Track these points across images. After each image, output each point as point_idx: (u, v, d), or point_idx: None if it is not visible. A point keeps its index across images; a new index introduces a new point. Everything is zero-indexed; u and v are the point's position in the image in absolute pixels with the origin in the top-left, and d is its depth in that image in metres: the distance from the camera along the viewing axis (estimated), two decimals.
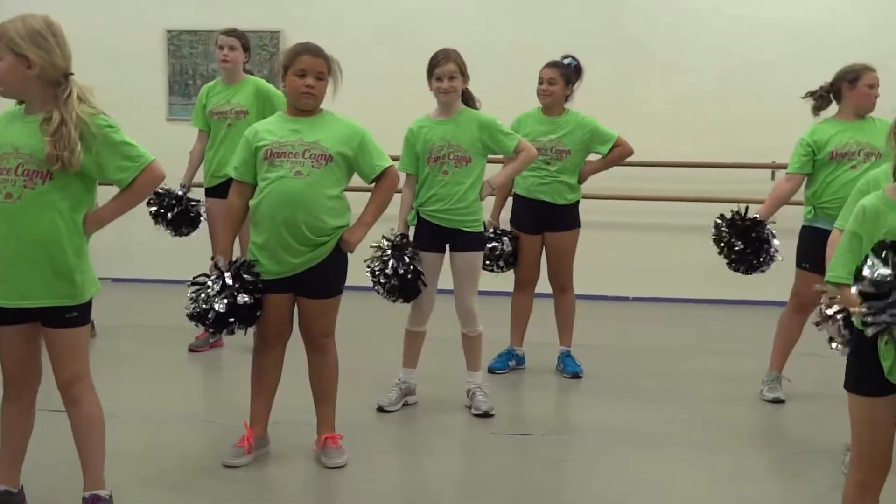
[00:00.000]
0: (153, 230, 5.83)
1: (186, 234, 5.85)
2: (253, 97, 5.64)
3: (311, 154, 3.70)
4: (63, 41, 3.01)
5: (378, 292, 4.44)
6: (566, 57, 5.29)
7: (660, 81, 7.57)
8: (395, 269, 4.33)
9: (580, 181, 5.31)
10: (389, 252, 4.38)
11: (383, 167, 3.83)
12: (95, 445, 3.20)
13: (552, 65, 5.23)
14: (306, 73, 3.71)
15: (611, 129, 5.25)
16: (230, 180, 5.54)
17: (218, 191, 5.68)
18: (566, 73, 5.21)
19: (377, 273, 4.37)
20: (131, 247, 7.47)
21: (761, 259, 4.77)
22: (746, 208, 4.81)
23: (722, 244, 4.79)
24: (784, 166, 4.99)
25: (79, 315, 3.08)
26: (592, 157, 5.35)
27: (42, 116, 2.96)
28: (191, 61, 8.08)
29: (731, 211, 4.81)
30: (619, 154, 5.28)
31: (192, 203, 5.76)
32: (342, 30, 7.53)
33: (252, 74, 5.89)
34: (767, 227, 4.78)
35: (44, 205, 2.97)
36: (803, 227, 4.81)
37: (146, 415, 4.49)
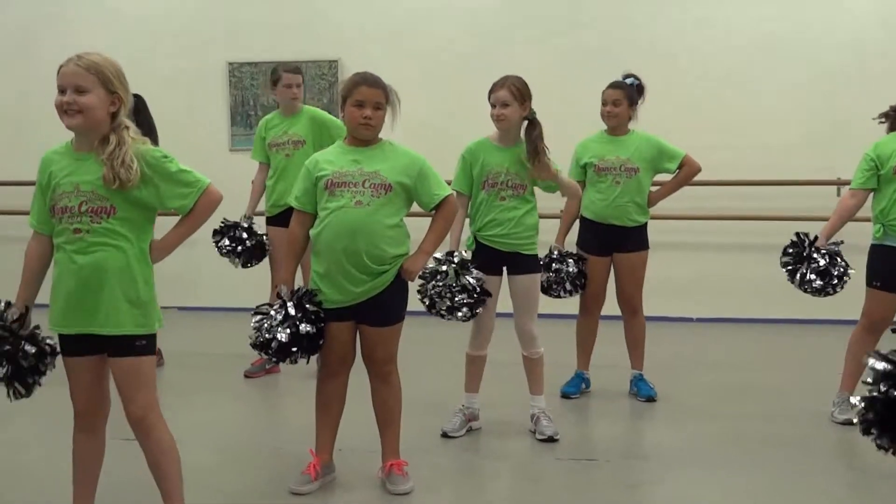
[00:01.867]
0: (216, 259, 5.87)
1: (253, 265, 5.88)
2: (310, 127, 5.70)
3: (370, 184, 3.69)
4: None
5: (441, 315, 4.35)
6: (627, 76, 5.23)
7: (725, 97, 7.46)
8: (463, 286, 4.26)
9: (649, 205, 5.23)
10: (453, 270, 4.30)
11: (442, 196, 3.81)
12: (172, 475, 3.19)
13: (616, 86, 5.17)
14: (364, 104, 3.71)
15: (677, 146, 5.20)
16: (291, 209, 5.65)
17: (279, 219, 5.72)
18: (630, 94, 5.15)
19: (439, 292, 4.28)
20: (195, 276, 7.53)
21: (834, 283, 4.66)
22: (807, 235, 4.72)
23: (793, 274, 4.71)
24: (849, 182, 4.88)
25: (147, 343, 3.10)
26: (657, 182, 5.29)
27: (98, 144, 3.01)
28: (251, 92, 8.17)
29: (792, 239, 4.73)
30: (687, 173, 5.22)
31: (262, 235, 5.81)
32: (400, 58, 7.57)
33: (305, 104, 5.94)
34: (836, 247, 4.67)
35: (112, 237, 3.02)
36: (872, 245, 4.70)
37: (210, 442, 4.47)
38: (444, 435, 4.56)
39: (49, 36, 8.10)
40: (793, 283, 4.73)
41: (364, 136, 3.77)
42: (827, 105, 7.30)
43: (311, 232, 3.78)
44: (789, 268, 4.74)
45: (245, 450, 4.47)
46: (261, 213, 5.92)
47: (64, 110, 3.00)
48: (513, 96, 4.42)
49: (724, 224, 7.47)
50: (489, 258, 4.50)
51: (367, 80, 3.75)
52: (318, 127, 5.72)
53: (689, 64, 7.53)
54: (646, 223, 5.25)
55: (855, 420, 4.62)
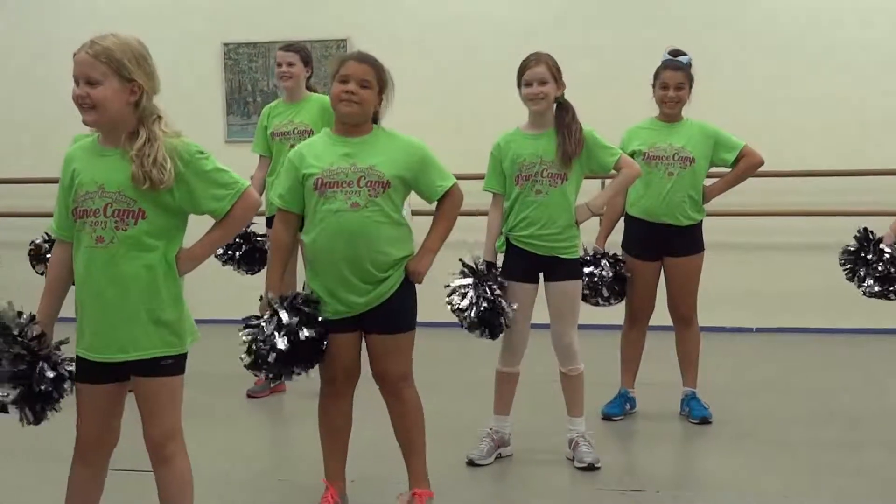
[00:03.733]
0: (214, 267, 5.87)
1: (259, 271, 5.89)
2: (318, 115, 5.70)
3: (366, 182, 3.66)
4: (154, 64, 3.07)
5: (462, 326, 4.39)
6: (676, 53, 5.19)
7: (790, 83, 7.46)
8: (472, 303, 4.28)
9: (705, 201, 5.21)
10: (470, 282, 4.33)
11: (446, 187, 3.80)
12: None
13: (677, 66, 5.11)
14: (349, 79, 3.68)
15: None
16: None
17: None
18: (691, 75, 5.12)
19: (455, 305, 4.32)
20: (192, 285, 7.52)
21: (893, 288, 4.66)
22: (871, 233, 4.72)
23: (852, 274, 4.72)
24: None
25: (174, 362, 3.09)
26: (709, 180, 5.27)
27: (125, 139, 2.99)
28: (250, 76, 8.20)
29: (855, 237, 4.73)
30: (747, 166, 5.18)
31: (259, 238, 5.81)
32: (412, 35, 7.59)
33: (315, 91, 5.94)
34: None
35: (139, 247, 3.00)
36: None
37: (215, 474, 4.48)
38: (471, 463, 4.55)
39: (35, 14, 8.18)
40: (854, 283, 4.74)
41: (344, 116, 3.72)
42: None
43: (304, 238, 3.77)
44: (848, 268, 4.74)
45: (250, 482, 4.48)
46: (261, 214, 5.89)
47: (79, 104, 2.98)
48: (550, 73, 4.41)
49: (789, 222, 7.43)
50: (523, 263, 4.49)
51: (356, 56, 3.75)
52: (329, 117, 5.66)
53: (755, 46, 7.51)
54: (701, 221, 5.22)
55: None
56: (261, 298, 3.80)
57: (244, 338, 3.72)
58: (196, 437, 3.22)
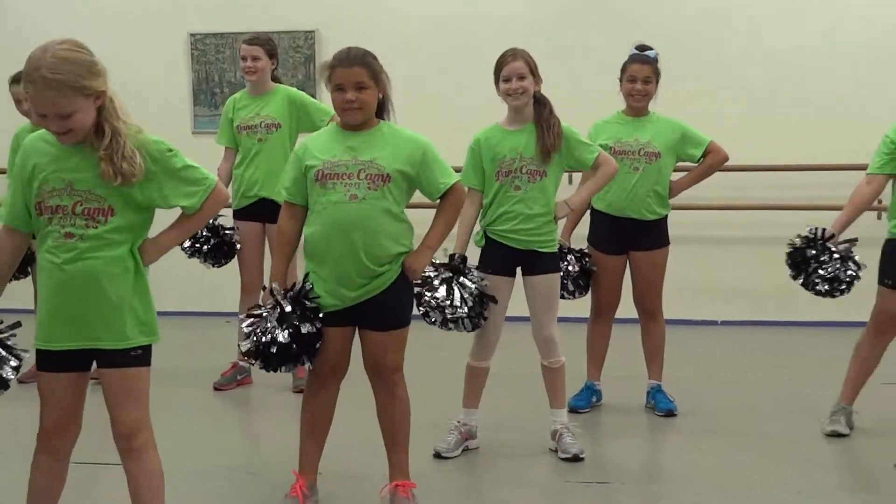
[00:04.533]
0: (179, 260, 5.84)
1: (226, 264, 5.87)
2: (286, 108, 5.67)
3: (366, 174, 3.68)
4: (97, 58, 3.00)
5: (433, 323, 4.39)
6: (643, 48, 5.22)
7: (749, 77, 7.52)
8: (462, 297, 4.27)
9: (671, 196, 5.24)
10: (446, 276, 4.33)
11: (448, 184, 3.80)
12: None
13: (644, 60, 5.14)
14: (344, 87, 3.69)
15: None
16: (261, 201, 5.67)
17: (248, 212, 5.72)
18: (658, 68, 5.15)
19: (428, 301, 4.32)
20: (156, 278, 7.49)
21: (842, 288, 4.73)
22: (819, 231, 4.77)
23: (798, 272, 4.78)
24: None
25: (143, 353, 3.10)
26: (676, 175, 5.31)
27: (89, 139, 2.97)
28: (217, 67, 8.16)
29: (801, 234, 4.78)
30: (713, 162, 5.23)
31: (227, 231, 5.78)
32: (382, 27, 7.57)
33: (281, 82, 5.91)
34: (851, 246, 4.73)
35: (108, 242, 3.00)
36: (887, 240, 4.76)
37: (182, 467, 4.45)
38: (438, 455, 4.58)
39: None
40: (802, 285, 4.80)
41: (352, 121, 3.75)
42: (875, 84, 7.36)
43: (305, 230, 3.78)
44: (793, 270, 4.80)
45: (216, 476, 4.47)
46: (228, 206, 5.87)
47: (54, 132, 2.95)
48: (528, 68, 4.43)
49: (754, 216, 7.50)
50: (502, 256, 4.50)
51: (343, 61, 3.71)
52: (297, 110, 5.69)
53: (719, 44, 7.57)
54: (666, 216, 5.26)
55: (843, 432, 4.73)
56: (264, 289, 3.81)
57: (245, 327, 3.73)
58: (162, 431, 3.21)
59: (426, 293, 4.32)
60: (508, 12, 7.73)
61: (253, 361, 3.80)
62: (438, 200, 3.85)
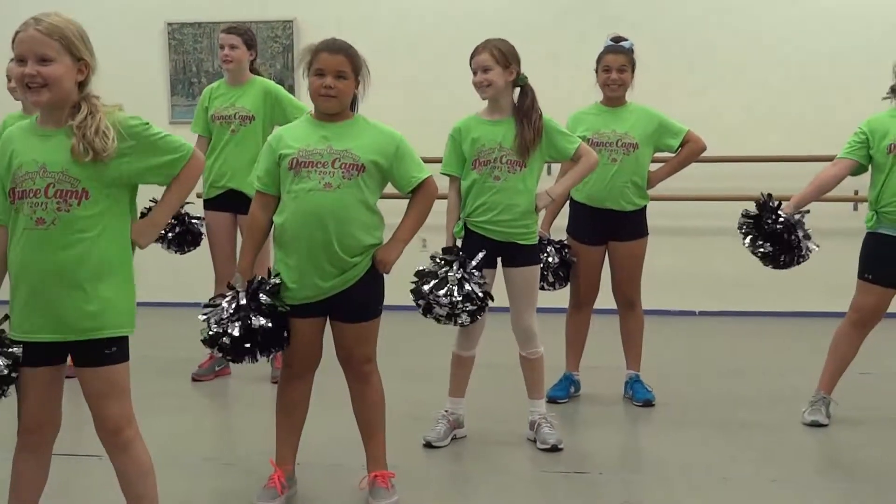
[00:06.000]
0: (155, 248, 5.84)
1: (189, 251, 5.86)
2: (261, 101, 5.66)
3: (341, 164, 3.68)
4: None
5: (438, 320, 4.35)
6: (618, 39, 5.23)
7: (731, 69, 7.57)
8: (464, 292, 4.25)
9: (649, 186, 5.26)
10: (457, 273, 4.28)
11: (420, 178, 3.82)
12: (149, 498, 3.19)
13: (619, 50, 5.16)
14: (325, 73, 3.70)
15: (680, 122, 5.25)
16: (230, 192, 5.66)
17: (218, 203, 5.71)
18: (633, 59, 5.17)
19: (439, 297, 4.25)
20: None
21: (793, 258, 4.76)
22: (770, 199, 4.80)
23: (748, 243, 4.80)
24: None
25: (118, 350, 3.06)
26: (655, 164, 5.33)
27: (66, 117, 2.96)
28: (195, 57, 8.13)
29: (756, 203, 4.81)
30: (690, 151, 5.25)
31: (194, 220, 5.75)
32: (362, 18, 7.56)
33: (259, 74, 5.89)
34: (798, 216, 4.76)
35: (81, 228, 2.96)
36: (867, 234, 4.83)
37: (159, 459, 4.41)
38: (428, 444, 4.60)
39: None
40: (748, 248, 4.82)
41: (325, 109, 3.76)
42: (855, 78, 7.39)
43: (276, 220, 3.77)
44: (744, 230, 4.82)
45: (195, 463, 4.48)
46: (199, 195, 5.87)
47: (26, 84, 2.93)
48: (494, 59, 4.42)
49: (732, 206, 7.49)
50: (481, 248, 4.45)
51: (329, 47, 3.74)
52: (272, 103, 5.67)
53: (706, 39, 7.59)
54: (645, 207, 5.28)
55: (823, 422, 4.77)
56: (219, 282, 3.80)
57: (202, 316, 3.73)
58: (140, 422, 3.20)
59: (433, 290, 4.26)
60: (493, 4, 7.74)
61: (212, 350, 3.80)
62: (410, 195, 3.86)
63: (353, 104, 3.84)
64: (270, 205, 3.80)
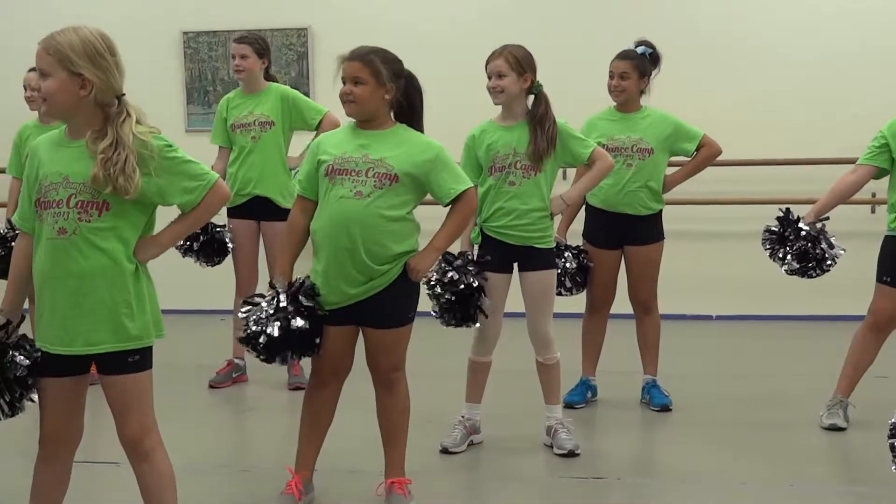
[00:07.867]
0: (174, 257, 5.86)
1: (220, 262, 5.88)
2: (279, 106, 5.70)
3: (374, 173, 3.70)
4: (119, 59, 3.02)
5: (434, 314, 4.42)
6: (639, 44, 5.24)
7: (751, 70, 7.56)
8: (453, 281, 4.29)
9: (664, 191, 5.27)
10: (453, 267, 4.33)
11: (459, 190, 3.81)
12: None
13: (623, 56, 5.18)
14: (345, 80, 3.75)
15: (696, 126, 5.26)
16: (255, 199, 5.69)
17: (242, 210, 5.73)
18: (640, 64, 5.16)
19: (434, 286, 4.33)
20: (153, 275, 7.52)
21: (812, 265, 4.76)
22: (789, 212, 4.82)
23: (774, 254, 4.82)
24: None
25: (141, 359, 3.08)
26: (671, 168, 5.34)
27: (89, 136, 2.97)
28: (210, 65, 8.16)
29: (777, 218, 4.83)
30: (706, 155, 5.26)
31: (218, 229, 5.78)
32: (376, 25, 7.57)
33: (275, 80, 5.93)
34: (821, 225, 4.76)
35: (102, 238, 2.98)
36: (886, 237, 4.80)
37: (176, 465, 4.43)
38: (445, 450, 4.61)
39: None
40: (776, 262, 4.84)
41: (348, 115, 3.81)
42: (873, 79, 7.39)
43: (311, 225, 3.80)
44: (769, 248, 4.84)
45: (214, 471, 4.50)
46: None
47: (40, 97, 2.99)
48: (509, 65, 4.44)
49: (748, 210, 7.50)
50: (498, 253, 4.50)
51: (348, 54, 3.78)
52: (290, 108, 5.71)
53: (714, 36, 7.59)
54: (660, 211, 5.28)
55: (842, 425, 4.76)
56: (270, 285, 3.84)
57: (242, 314, 3.77)
58: (159, 428, 3.22)
59: (432, 283, 4.32)
60: (508, 8, 7.75)
61: (247, 348, 3.82)
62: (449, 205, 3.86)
63: (413, 113, 3.84)
64: (310, 209, 3.83)
